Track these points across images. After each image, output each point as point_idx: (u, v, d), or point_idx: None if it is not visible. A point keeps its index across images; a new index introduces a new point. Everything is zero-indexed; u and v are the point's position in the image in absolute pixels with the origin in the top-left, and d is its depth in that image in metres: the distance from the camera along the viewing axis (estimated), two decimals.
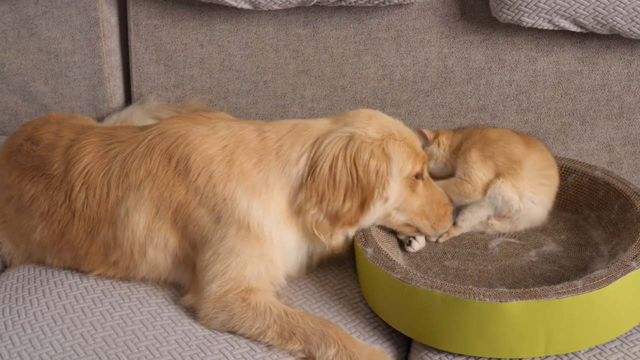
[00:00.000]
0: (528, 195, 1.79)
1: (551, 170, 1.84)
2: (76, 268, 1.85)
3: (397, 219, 1.78)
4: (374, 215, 1.73)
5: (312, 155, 1.69)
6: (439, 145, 1.85)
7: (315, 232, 1.71)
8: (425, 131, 1.87)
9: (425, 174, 1.80)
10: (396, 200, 1.74)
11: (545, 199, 1.82)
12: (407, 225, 1.79)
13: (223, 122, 1.79)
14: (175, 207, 1.72)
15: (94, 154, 1.80)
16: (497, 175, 1.77)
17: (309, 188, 1.67)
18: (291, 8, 2.30)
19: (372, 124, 1.73)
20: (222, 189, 1.70)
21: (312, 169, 1.68)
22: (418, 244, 1.80)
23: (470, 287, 1.51)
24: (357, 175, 1.66)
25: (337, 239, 1.74)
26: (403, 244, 1.82)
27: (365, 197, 1.67)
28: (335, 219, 1.68)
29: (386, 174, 1.69)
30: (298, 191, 1.70)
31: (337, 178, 1.66)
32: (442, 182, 1.84)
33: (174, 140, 1.75)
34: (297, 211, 1.71)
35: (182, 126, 1.78)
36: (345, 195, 1.67)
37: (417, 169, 1.75)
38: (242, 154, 1.71)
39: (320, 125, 1.76)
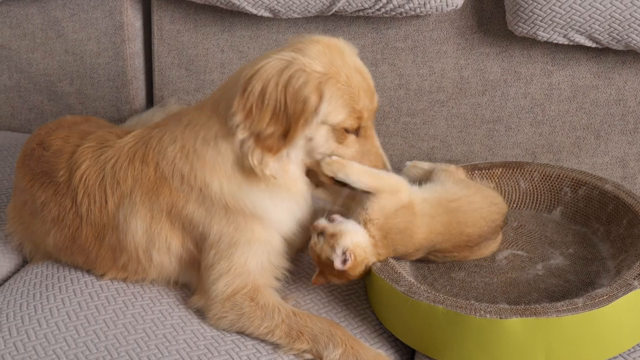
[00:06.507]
0: None
1: None
2: (89, 271, 1.89)
3: None
4: (297, 150, 1.69)
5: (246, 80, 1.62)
6: None
7: (249, 158, 1.65)
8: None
9: (367, 132, 1.72)
10: (321, 146, 1.69)
11: None
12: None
13: (173, 119, 1.80)
14: (167, 209, 1.75)
15: (89, 159, 1.83)
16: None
17: (237, 102, 1.62)
18: (310, 17, 2.33)
19: (322, 57, 1.64)
20: (194, 181, 1.72)
21: (244, 87, 1.62)
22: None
23: (472, 302, 1.53)
24: (285, 101, 1.60)
25: (268, 168, 1.67)
26: None
27: (289, 126, 1.61)
28: (257, 140, 1.63)
29: (312, 110, 1.61)
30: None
31: (266, 99, 1.60)
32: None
33: (145, 149, 1.78)
34: (234, 140, 1.66)
35: (146, 133, 1.82)
36: (270, 119, 1.61)
37: (347, 124, 1.67)
38: (191, 138, 1.71)
39: (264, 58, 1.66)
